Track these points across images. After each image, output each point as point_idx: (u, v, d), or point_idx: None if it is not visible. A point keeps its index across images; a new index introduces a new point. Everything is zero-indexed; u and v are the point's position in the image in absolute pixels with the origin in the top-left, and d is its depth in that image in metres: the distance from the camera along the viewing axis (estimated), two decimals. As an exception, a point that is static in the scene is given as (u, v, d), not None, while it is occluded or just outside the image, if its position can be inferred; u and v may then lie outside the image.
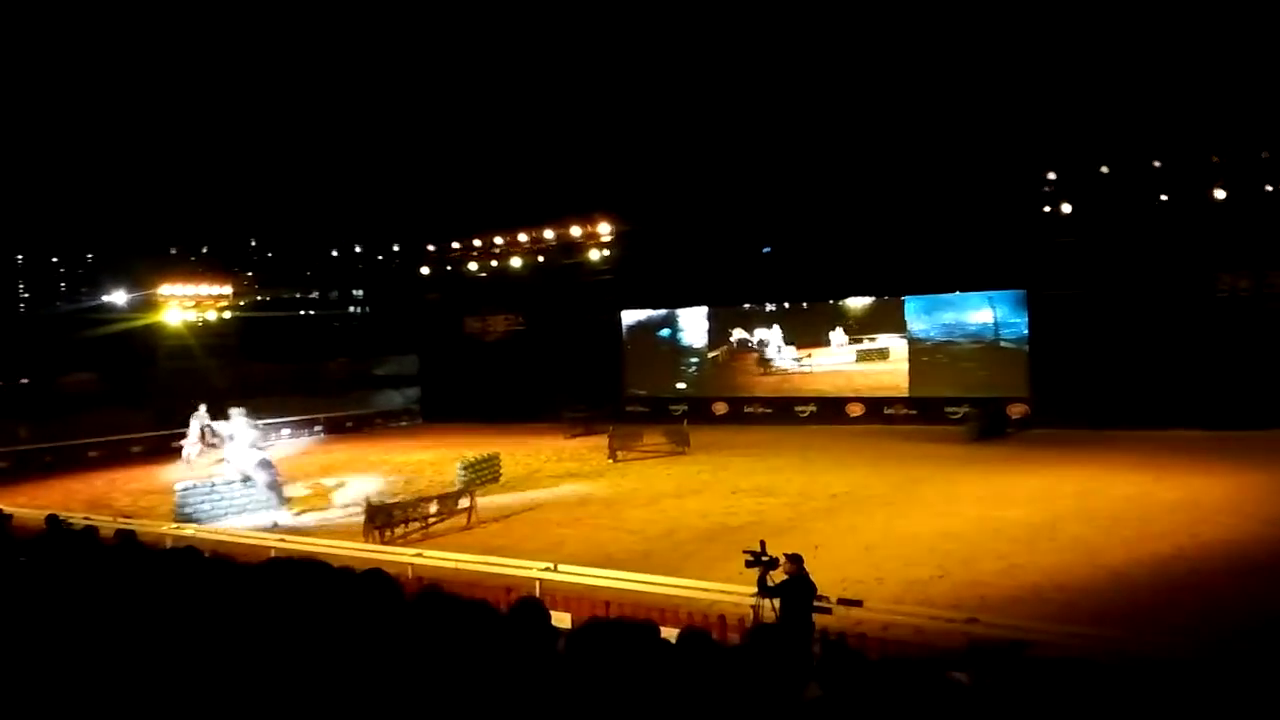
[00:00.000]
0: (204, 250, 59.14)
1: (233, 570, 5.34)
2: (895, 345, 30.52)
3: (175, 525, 17.11)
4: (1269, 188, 23.82)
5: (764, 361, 32.86)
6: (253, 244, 66.43)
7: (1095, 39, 27.52)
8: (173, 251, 52.83)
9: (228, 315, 36.41)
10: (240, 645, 3.80)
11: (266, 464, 20.20)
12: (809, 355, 32.04)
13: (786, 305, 32.56)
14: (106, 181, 43.42)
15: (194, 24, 36.51)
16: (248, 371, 36.18)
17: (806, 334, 32.15)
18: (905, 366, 30.29)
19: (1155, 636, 8.76)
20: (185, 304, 34.75)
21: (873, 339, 30.90)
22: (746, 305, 33.23)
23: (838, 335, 31.52)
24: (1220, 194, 24.19)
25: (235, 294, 36.93)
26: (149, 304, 34.49)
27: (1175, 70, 24.88)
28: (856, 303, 31.21)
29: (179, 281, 34.95)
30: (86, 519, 14.97)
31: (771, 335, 32.78)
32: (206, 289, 35.55)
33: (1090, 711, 3.01)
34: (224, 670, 3.65)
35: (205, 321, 35.49)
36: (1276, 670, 7.47)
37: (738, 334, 33.39)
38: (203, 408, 26.36)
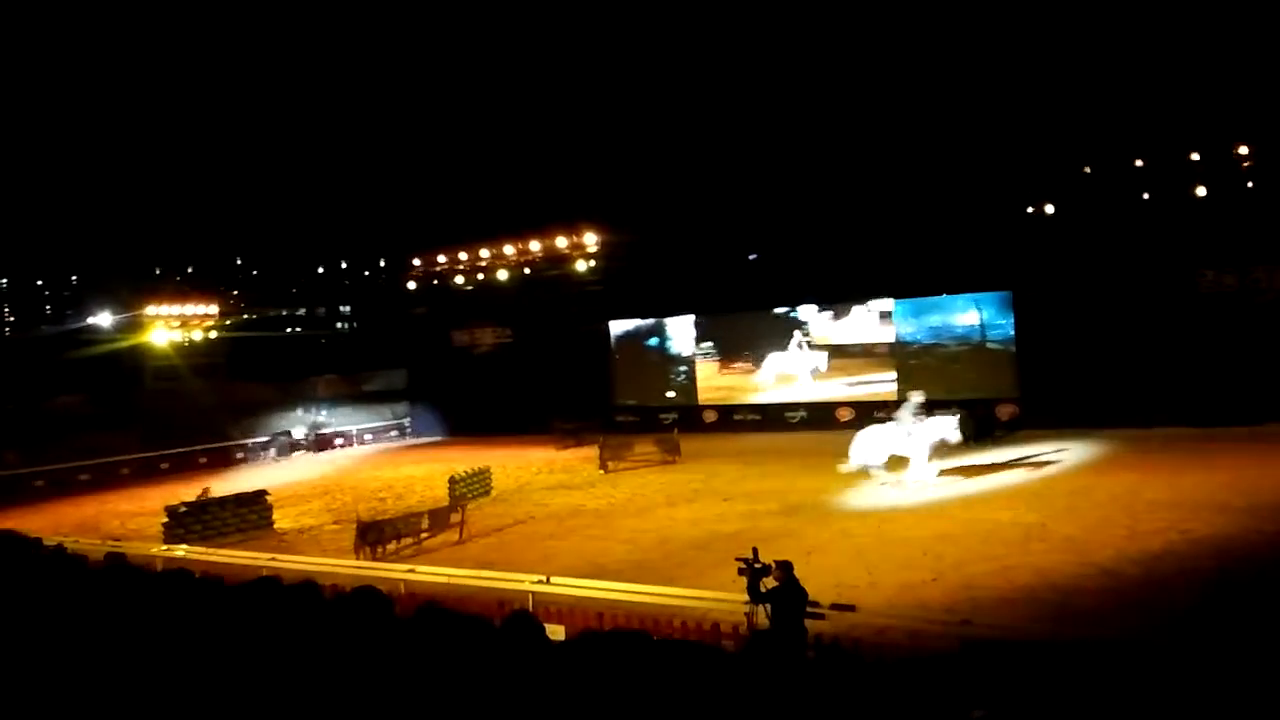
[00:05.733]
0: (189, 270, 58.98)
1: (224, 590, 5.33)
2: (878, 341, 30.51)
3: (165, 547, 17.02)
4: (1249, 184, 23.99)
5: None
6: (238, 262, 66.31)
7: (1075, 39, 27.75)
8: (158, 272, 52.70)
9: (214, 335, 36.28)
10: (234, 664, 3.79)
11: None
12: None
13: (764, 311, 32.41)
14: (90, 203, 43.28)
15: (176, 46, 36.50)
16: (235, 390, 36.11)
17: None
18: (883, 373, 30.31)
19: (1148, 633, 8.78)
20: (171, 324, 34.63)
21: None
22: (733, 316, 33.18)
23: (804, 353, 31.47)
24: (1201, 191, 24.34)
25: (221, 313, 36.85)
26: (135, 325, 34.38)
27: (1154, 70, 25.09)
28: (838, 309, 31.13)
29: (165, 302, 34.83)
30: (60, 539, 14.87)
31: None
32: (192, 309, 35.45)
33: (1087, 707, 3.03)
34: (217, 690, 3.63)
35: (192, 341, 35.36)
36: (1266, 659, 7.51)
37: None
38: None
